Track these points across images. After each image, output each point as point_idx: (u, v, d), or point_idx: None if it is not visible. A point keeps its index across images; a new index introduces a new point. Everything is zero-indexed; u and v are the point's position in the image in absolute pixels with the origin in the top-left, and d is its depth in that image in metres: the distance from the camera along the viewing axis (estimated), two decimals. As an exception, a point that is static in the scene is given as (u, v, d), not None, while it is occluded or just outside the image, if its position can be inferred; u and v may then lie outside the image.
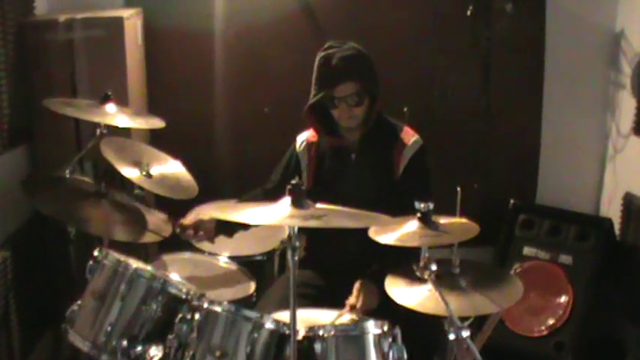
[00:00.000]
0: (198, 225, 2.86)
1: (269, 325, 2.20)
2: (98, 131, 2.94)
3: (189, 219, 2.89)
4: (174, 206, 3.11)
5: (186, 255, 3.13)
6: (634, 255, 3.42)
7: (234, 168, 3.87)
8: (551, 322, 3.42)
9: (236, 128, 3.88)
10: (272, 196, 2.98)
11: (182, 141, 3.75)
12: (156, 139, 3.69)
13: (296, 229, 1.95)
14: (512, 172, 3.87)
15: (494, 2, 3.47)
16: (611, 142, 3.75)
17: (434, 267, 2.20)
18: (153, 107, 3.75)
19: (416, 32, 3.76)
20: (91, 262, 2.46)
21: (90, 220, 2.77)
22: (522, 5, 3.52)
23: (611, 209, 3.71)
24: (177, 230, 2.87)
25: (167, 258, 3.07)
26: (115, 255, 2.45)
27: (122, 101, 3.29)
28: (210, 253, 3.16)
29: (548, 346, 3.40)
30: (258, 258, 3.21)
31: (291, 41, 3.72)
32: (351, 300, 2.62)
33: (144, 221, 2.88)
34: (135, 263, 2.48)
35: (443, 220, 2.26)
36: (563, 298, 3.43)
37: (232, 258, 3.15)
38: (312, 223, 1.86)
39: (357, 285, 2.66)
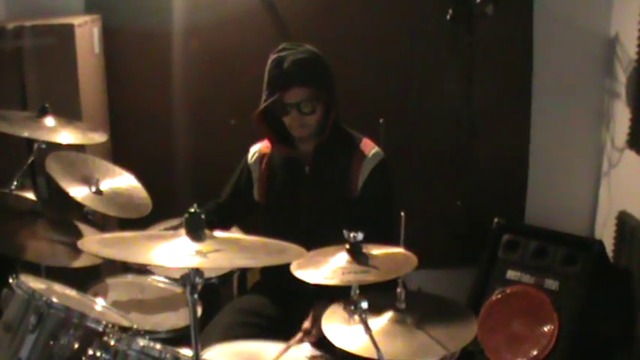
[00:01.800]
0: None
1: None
2: (36, 146, 2.78)
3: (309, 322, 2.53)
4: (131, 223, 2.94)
5: (131, 278, 2.92)
6: (627, 280, 3.13)
7: (197, 182, 3.67)
8: (534, 352, 3.14)
9: (201, 140, 3.68)
10: (224, 210, 2.87)
11: (143, 154, 3.58)
12: (117, 151, 3.53)
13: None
14: (499, 189, 3.59)
15: (475, 5, 3.20)
16: (606, 156, 3.45)
17: (364, 305, 1.96)
18: (113, 119, 3.57)
19: (391, 37, 3.50)
20: (5, 291, 2.28)
21: (20, 244, 2.58)
22: (506, 8, 3.24)
23: (606, 230, 3.42)
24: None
25: (111, 281, 2.87)
26: (29, 284, 2.26)
27: (74, 112, 3.14)
28: (160, 276, 2.96)
29: (531, 378, 3.13)
30: (213, 281, 2.99)
31: (259, 49, 3.48)
32: (307, 324, 2.42)
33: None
34: (55, 293, 2.31)
35: (377, 251, 2.01)
36: (547, 327, 3.15)
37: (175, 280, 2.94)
38: (193, 262, 1.64)
39: (313, 309, 2.45)
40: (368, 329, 1.95)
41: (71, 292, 2.44)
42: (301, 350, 2.36)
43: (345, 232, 2.00)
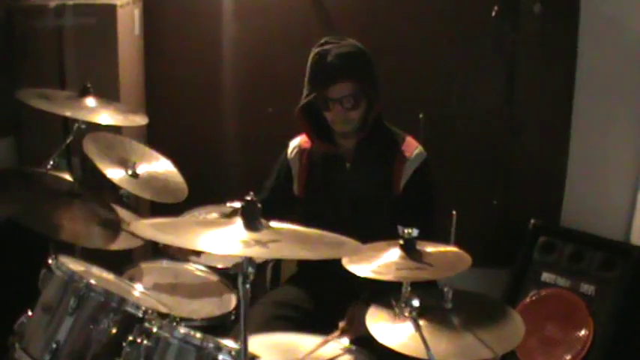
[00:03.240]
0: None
1: (223, 357, 1.92)
2: (76, 126, 2.72)
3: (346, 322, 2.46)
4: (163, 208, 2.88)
5: (166, 263, 2.86)
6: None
7: (232, 169, 3.60)
8: (567, 357, 3.07)
9: (237, 127, 3.61)
10: (264, 205, 2.79)
11: (180, 139, 3.52)
12: (154, 136, 3.46)
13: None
14: (536, 190, 3.50)
15: (522, 3, 3.11)
16: (646, 161, 3.36)
17: (416, 303, 1.89)
18: (152, 103, 3.51)
19: (435, 32, 3.42)
20: (44, 271, 2.22)
21: (56, 224, 2.51)
22: (553, 6, 3.15)
23: (644, 236, 3.33)
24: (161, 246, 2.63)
25: (145, 266, 2.80)
26: (69, 265, 2.20)
27: (113, 94, 3.07)
28: (195, 263, 2.90)
29: (564, 383, 3.05)
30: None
31: (299, 38, 3.44)
32: (343, 324, 2.34)
33: (117, 226, 2.62)
34: (93, 276, 2.25)
35: (430, 249, 1.93)
36: (582, 332, 3.07)
37: (218, 270, 2.88)
38: (253, 252, 1.56)
39: (350, 309, 2.37)
40: (418, 327, 1.87)
41: (109, 276, 2.38)
42: (338, 345, 2.30)
43: (399, 228, 1.93)
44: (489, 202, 3.47)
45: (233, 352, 1.89)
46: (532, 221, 3.33)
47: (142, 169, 2.85)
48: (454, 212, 2.11)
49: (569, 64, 3.36)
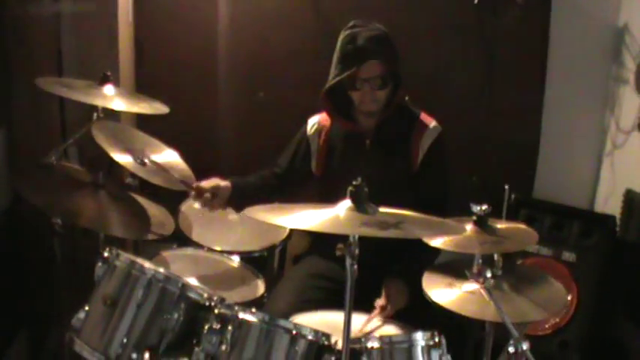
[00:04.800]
0: (215, 190, 2.59)
1: (308, 336, 1.93)
2: (95, 115, 2.61)
3: (207, 183, 2.61)
4: (168, 198, 2.81)
5: (186, 251, 2.81)
6: (637, 253, 3.27)
7: (228, 153, 3.56)
8: (555, 320, 3.25)
9: (230, 113, 3.56)
10: (280, 180, 2.80)
11: (171, 126, 3.41)
12: (142, 123, 3.35)
13: (356, 237, 1.68)
14: (511, 165, 3.66)
15: (504, -8, 3.24)
16: (610, 138, 3.58)
17: (488, 274, 1.97)
18: (140, 90, 3.38)
19: (419, 19, 3.49)
20: (99, 264, 2.14)
21: (83, 213, 2.41)
22: (533, -4, 3.30)
23: (608, 206, 3.55)
24: (193, 194, 2.60)
25: (167, 254, 2.75)
26: (127, 256, 2.13)
27: (114, 80, 2.94)
28: (210, 249, 2.86)
29: (552, 344, 3.21)
30: (257, 254, 2.90)
31: (291, 22, 3.43)
32: (381, 301, 2.40)
33: (146, 216, 2.55)
34: (149, 264, 2.19)
35: (499, 225, 2.01)
36: (567, 297, 3.25)
37: (231, 253, 2.86)
38: (392, 233, 1.58)
39: (385, 285, 2.44)
40: (491, 295, 1.95)
41: (158, 267, 2.32)
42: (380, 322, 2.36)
43: (471, 204, 1.99)
44: (469, 178, 3.60)
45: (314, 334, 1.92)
46: (512, 196, 3.49)
47: (149, 158, 2.79)
48: (507, 186, 2.17)
49: (542, 49, 3.52)
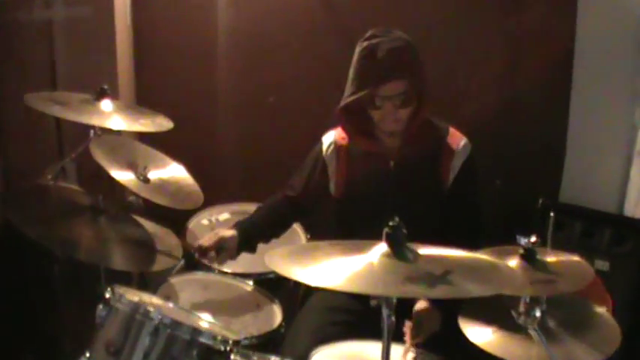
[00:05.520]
0: (220, 244, 2.35)
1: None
2: (92, 133, 2.35)
3: (208, 239, 2.37)
4: (171, 216, 2.56)
5: (195, 275, 2.56)
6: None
7: (236, 164, 3.30)
8: (589, 333, 2.99)
9: (238, 120, 3.29)
10: (296, 204, 2.53)
11: (174, 136, 3.16)
12: (144, 134, 3.08)
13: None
14: (536, 168, 3.39)
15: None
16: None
17: (538, 313, 1.71)
18: (141, 100, 3.12)
19: (439, 14, 3.20)
20: (100, 306, 1.88)
21: (82, 244, 2.16)
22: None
23: (638, 209, 3.28)
24: (197, 255, 2.36)
25: (175, 281, 2.49)
26: (131, 298, 1.87)
27: (112, 94, 2.67)
28: (221, 272, 2.60)
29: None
30: (272, 276, 2.61)
31: (301, 25, 3.15)
32: (410, 327, 2.09)
33: (151, 244, 2.29)
34: (154, 307, 1.94)
35: (549, 258, 1.75)
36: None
37: (244, 276, 2.61)
38: (442, 292, 1.31)
39: (416, 311, 2.17)
40: (541, 337, 1.70)
41: (168, 305, 2.07)
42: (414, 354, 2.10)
43: (517, 237, 1.73)
44: (493, 181, 3.33)
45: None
46: (540, 200, 3.22)
47: (153, 174, 2.54)
48: (552, 214, 1.92)
49: (568, 44, 3.24)
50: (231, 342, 1.84)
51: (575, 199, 3.32)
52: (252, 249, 2.45)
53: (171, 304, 2.08)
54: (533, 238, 1.73)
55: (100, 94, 2.31)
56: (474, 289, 1.32)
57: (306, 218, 2.69)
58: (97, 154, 2.41)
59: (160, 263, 2.26)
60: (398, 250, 1.41)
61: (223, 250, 2.35)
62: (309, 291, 2.87)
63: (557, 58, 3.27)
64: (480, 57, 3.22)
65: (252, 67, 3.23)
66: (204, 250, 2.34)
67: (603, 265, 3.06)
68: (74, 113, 2.24)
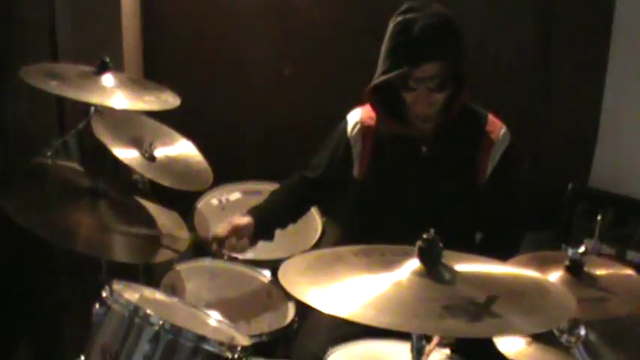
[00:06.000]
0: (236, 233, 2.16)
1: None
2: (93, 109, 2.15)
3: (223, 229, 2.18)
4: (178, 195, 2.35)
5: (204, 262, 2.36)
6: None
7: (250, 139, 3.08)
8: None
9: (249, 92, 3.06)
10: (316, 187, 2.29)
11: (184, 110, 2.96)
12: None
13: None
14: (566, 150, 3.16)
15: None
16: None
17: (582, 332, 1.51)
18: (150, 71, 2.90)
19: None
20: (97, 306, 1.70)
21: (80, 234, 1.94)
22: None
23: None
24: (214, 247, 2.18)
25: (181, 268, 2.30)
26: (129, 296, 1.69)
27: (116, 66, 2.45)
28: (230, 258, 2.41)
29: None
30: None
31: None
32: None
33: (156, 233, 2.09)
34: (154, 304, 1.76)
35: (599, 270, 1.53)
36: (634, 303, 2.78)
37: (255, 263, 2.41)
38: (486, 329, 1.08)
39: None
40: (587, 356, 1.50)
41: (171, 300, 1.89)
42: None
43: (564, 246, 1.52)
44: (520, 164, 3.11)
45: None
46: (570, 185, 3.00)
47: (159, 151, 2.35)
48: (599, 217, 1.71)
49: (604, 26, 2.98)
50: (239, 349, 1.67)
51: (606, 185, 3.10)
52: (269, 236, 2.27)
53: (175, 300, 1.90)
54: (582, 248, 1.50)
55: (101, 68, 2.09)
56: (523, 325, 1.11)
57: (325, 202, 2.48)
58: (98, 131, 2.22)
59: (165, 253, 2.06)
60: (431, 267, 1.19)
61: (240, 239, 2.16)
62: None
63: (593, 34, 3.02)
64: (512, 32, 2.98)
65: (267, 36, 3.00)
66: (220, 241, 2.15)
67: (636, 255, 2.85)
68: (73, 89, 2.02)
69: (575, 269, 1.49)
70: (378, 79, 2.03)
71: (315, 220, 2.66)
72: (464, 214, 2.12)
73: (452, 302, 1.11)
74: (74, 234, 1.92)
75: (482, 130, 2.15)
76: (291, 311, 2.22)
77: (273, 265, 2.40)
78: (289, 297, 2.27)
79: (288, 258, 2.37)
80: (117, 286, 1.72)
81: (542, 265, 1.54)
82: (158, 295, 1.89)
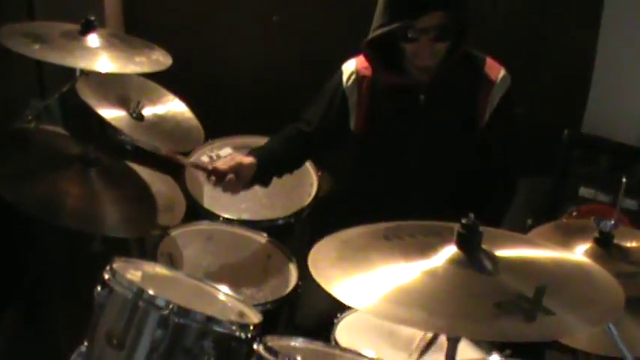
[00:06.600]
0: (237, 169, 2.03)
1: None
2: (78, 71, 1.99)
3: (224, 163, 2.06)
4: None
5: (200, 226, 2.24)
6: None
7: (239, 89, 2.91)
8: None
9: (239, 41, 2.88)
10: (311, 140, 2.19)
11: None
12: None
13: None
14: (560, 96, 3.05)
15: None
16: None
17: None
18: (131, 24, 2.69)
19: None
20: (99, 288, 1.59)
21: (68, 207, 1.81)
22: None
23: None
24: (213, 179, 2.04)
25: (176, 233, 2.18)
26: (132, 277, 1.58)
27: (98, 21, 2.27)
28: (226, 219, 2.30)
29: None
30: (281, 222, 2.36)
31: None
32: None
33: (151, 202, 1.96)
34: (158, 281, 1.66)
35: (628, 242, 1.45)
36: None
37: (249, 223, 2.31)
38: (540, 332, 0.97)
39: None
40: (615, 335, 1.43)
41: (175, 275, 1.78)
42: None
43: (594, 219, 1.43)
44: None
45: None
46: (565, 132, 2.91)
47: (147, 110, 2.21)
48: (624, 179, 1.62)
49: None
50: (251, 327, 1.58)
51: (599, 131, 3.01)
52: (266, 182, 2.16)
53: (179, 274, 1.79)
54: (611, 221, 1.42)
55: (86, 27, 1.92)
56: (578, 323, 1.00)
57: (321, 154, 2.37)
58: (84, 93, 2.07)
59: (163, 223, 1.94)
60: (474, 258, 1.09)
61: (239, 177, 2.03)
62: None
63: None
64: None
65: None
66: (220, 174, 2.02)
67: (632, 204, 2.79)
68: (57, 53, 1.86)
69: (604, 242, 1.41)
70: (377, 30, 1.93)
71: (310, 175, 2.55)
72: (463, 160, 2.07)
73: (503, 298, 1.00)
74: (63, 207, 1.79)
75: (480, 73, 2.08)
76: (293, 273, 2.14)
77: (270, 225, 2.35)
78: (289, 258, 2.20)
79: (285, 217, 2.37)
80: (117, 264, 1.62)
81: (567, 235, 1.47)
82: (159, 270, 1.78)
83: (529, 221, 2.87)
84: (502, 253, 1.13)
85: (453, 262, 1.10)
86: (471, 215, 1.10)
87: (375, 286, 1.09)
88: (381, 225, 1.28)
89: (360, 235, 1.24)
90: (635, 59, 3.02)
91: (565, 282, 1.08)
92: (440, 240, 1.16)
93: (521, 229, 2.80)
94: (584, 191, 2.88)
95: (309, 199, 2.45)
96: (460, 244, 1.10)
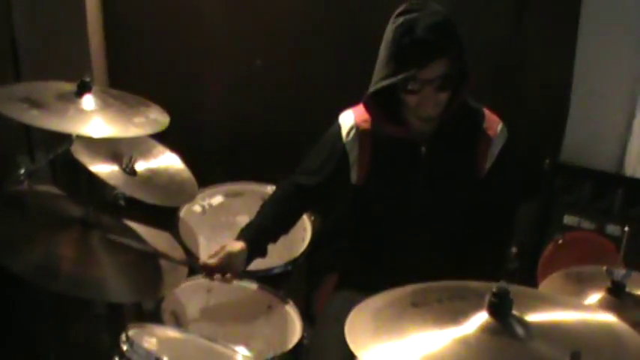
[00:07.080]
0: (227, 262, 1.98)
1: None
2: (75, 136, 1.97)
3: (214, 256, 2.00)
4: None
5: (197, 280, 2.21)
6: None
7: (223, 136, 2.91)
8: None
9: (221, 86, 2.88)
10: (310, 195, 2.17)
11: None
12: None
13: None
14: (539, 126, 3.11)
15: None
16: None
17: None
18: (113, 71, 2.67)
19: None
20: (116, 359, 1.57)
21: (66, 270, 1.73)
22: None
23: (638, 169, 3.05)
24: (203, 274, 2.02)
25: (178, 290, 2.15)
26: (149, 348, 1.57)
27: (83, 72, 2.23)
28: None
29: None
30: (278, 271, 2.35)
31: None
32: None
33: (155, 263, 1.93)
34: (174, 344, 1.64)
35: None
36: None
37: (246, 274, 2.25)
38: None
39: None
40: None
41: (188, 338, 1.76)
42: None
43: (606, 270, 1.47)
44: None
45: None
46: (547, 161, 2.96)
47: (140, 164, 2.19)
48: (626, 229, 1.66)
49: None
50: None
51: (578, 160, 3.07)
52: (263, 254, 2.13)
53: (192, 336, 1.77)
54: (621, 272, 1.45)
55: (82, 89, 1.89)
56: None
57: (320, 208, 2.38)
58: (77, 152, 2.05)
59: (167, 285, 1.91)
60: (506, 324, 1.11)
61: (231, 267, 1.99)
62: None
63: (564, 7, 2.95)
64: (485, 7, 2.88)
65: (238, 30, 2.81)
66: (211, 270, 1.97)
67: (615, 229, 2.85)
68: (54, 119, 1.77)
69: (617, 291, 1.44)
70: (382, 82, 1.93)
71: (302, 220, 2.55)
72: (464, 209, 2.09)
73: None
74: (58, 272, 1.71)
75: (479, 127, 2.09)
76: (296, 323, 2.13)
77: (262, 275, 2.31)
78: (290, 306, 2.20)
79: (282, 266, 2.36)
80: (132, 332, 1.60)
81: (580, 284, 1.49)
82: (171, 333, 1.77)
83: (513, 249, 2.94)
84: (532, 317, 1.14)
85: (485, 329, 1.11)
86: (503, 283, 1.12)
87: (410, 356, 1.10)
88: (407, 289, 1.29)
89: (389, 303, 1.24)
90: (609, 87, 3.11)
91: (596, 345, 1.10)
92: (468, 305, 1.17)
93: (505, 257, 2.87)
94: (568, 219, 2.93)
95: (304, 245, 2.46)
96: (492, 312, 1.12)
